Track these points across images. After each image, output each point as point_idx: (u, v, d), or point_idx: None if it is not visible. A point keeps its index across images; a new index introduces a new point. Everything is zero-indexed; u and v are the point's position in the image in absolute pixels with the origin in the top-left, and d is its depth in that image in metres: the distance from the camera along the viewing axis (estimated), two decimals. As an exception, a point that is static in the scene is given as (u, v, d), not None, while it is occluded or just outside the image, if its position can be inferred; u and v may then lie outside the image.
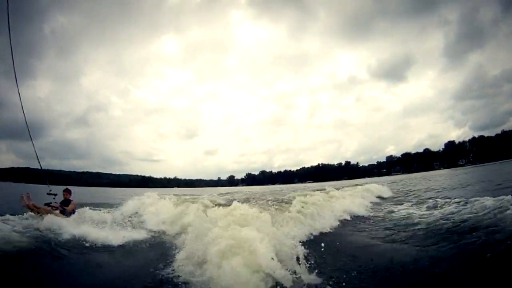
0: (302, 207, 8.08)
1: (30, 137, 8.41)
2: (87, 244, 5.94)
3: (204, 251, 4.27)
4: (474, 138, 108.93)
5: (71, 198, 8.60)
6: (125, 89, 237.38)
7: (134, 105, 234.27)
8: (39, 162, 8.58)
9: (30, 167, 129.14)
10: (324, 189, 14.08)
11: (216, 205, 8.89)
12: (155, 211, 9.74)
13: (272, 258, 3.99)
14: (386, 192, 16.62)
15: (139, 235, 7.25)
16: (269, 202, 10.03)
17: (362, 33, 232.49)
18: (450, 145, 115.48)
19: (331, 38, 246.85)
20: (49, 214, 7.20)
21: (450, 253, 4.51)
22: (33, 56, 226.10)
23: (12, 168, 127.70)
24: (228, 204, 9.08)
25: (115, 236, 6.70)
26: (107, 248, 6.05)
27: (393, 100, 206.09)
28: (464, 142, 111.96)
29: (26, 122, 8.09)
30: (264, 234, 4.42)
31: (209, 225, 4.81)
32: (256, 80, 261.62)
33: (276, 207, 8.40)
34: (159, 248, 6.24)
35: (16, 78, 7.90)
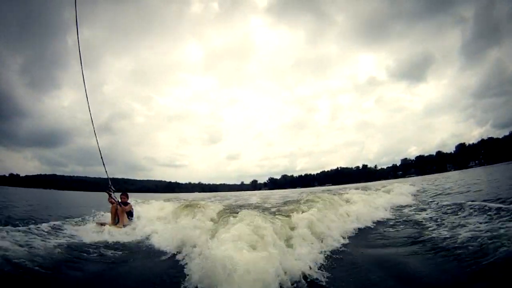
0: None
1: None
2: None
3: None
4: (483, 140, 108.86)
5: (128, 201, 9.30)
6: (148, 96, 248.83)
7: (156, 112, 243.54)
8: (106, 172, 9.31)
9: (56, 174, 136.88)
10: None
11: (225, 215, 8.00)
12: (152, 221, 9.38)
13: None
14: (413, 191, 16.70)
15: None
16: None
17: (379, 35, 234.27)
18: (460, 147, 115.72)
19: (349, 41, 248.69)
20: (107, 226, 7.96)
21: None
22: (58, 67, 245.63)
23: (40, 175, 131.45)
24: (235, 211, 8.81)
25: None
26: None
27: (414, 100, 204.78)
28: (474, 144, 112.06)
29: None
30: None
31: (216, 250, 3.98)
32: (277, 84, 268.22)
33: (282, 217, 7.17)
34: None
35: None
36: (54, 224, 7.91)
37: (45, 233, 6.76)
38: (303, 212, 7.27)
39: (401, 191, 15.61)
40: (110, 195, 8.92)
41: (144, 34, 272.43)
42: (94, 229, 7.77)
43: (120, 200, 8.97)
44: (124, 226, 8.37)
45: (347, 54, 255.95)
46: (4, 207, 13.31)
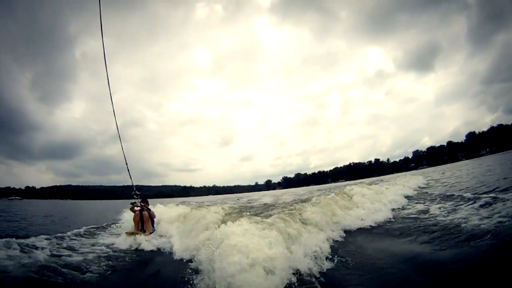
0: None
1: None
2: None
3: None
4: (493, 127, 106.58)
5: (149, 207, 8.98)
6: (159, 102, 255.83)
7: (168, 117, 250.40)
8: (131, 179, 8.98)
9: (71, 184, 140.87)
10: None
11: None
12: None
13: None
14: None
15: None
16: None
17: (385, 27, 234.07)
18: (470, 135, 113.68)
19: (355, 35, 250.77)
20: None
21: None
22: (67, 80, 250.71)
23: (55, 186, 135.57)
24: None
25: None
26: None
27: (424, 90, 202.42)
28: (484, 132, 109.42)
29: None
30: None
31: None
32: (286, 83, 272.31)
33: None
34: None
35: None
36: (81, 233, 8.71)
37: (74, 243, 7.28)
38: (308, 208, 7.67)
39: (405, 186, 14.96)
40: (134, 203, 8.83)
41: (151, 41, 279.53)
42: (124, 238, 7.89)
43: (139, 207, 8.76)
44: (150, 233, 8.43)
45: (354, 49, 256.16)
46: (35, 219, 14.49)
